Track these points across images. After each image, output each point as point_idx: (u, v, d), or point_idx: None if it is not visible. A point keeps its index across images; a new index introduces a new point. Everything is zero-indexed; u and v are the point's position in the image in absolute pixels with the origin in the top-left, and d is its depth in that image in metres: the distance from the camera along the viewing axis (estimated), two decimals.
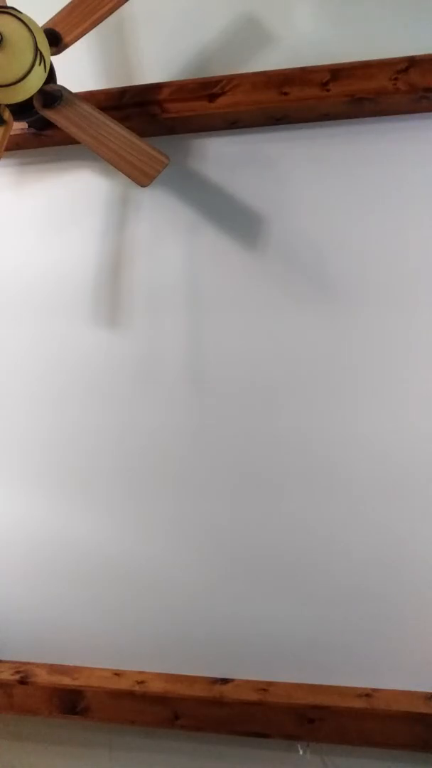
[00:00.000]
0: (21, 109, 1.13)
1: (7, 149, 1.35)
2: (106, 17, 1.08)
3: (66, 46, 1.11)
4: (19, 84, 1.05)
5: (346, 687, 1.24)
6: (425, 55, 1.14)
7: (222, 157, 1.28)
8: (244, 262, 1.28)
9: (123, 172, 1.13)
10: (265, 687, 1.27)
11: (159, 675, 1.33)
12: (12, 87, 1.05)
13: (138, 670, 1.35)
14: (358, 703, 1.21)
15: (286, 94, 1.18)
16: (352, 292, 1.23)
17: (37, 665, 1.40)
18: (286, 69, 1.19)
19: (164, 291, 1.32)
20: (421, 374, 1.21)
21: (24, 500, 1.40)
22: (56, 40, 1.10)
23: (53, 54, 1.10)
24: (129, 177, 1.13)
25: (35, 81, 1.07)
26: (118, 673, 1.35)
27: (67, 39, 1.10)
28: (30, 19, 1.05)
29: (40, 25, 1.08)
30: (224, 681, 1.30)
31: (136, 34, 1.31)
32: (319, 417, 1.25)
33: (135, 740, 1.37)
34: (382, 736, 1.19)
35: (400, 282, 1.21)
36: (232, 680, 1.29)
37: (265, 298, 1.27)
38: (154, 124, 1.25)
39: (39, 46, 1.04)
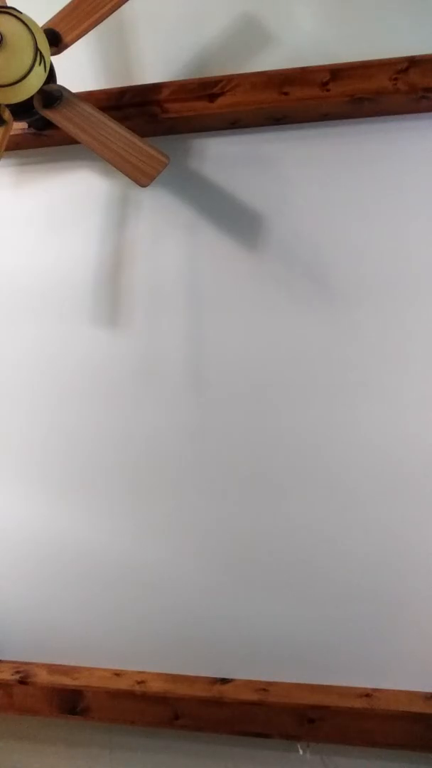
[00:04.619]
0: (21, 109, 1.13)
1: (7, 149, 1.35)
2: (106, 17, 1.08)
3: (66, 46, 1.11)
4: (19, 84, 1.05)
5: (346, 687, 1.24)
6: (425, 55, 1.14)
7: (222, 157, 1.28)
8: (244, 262, 1.28)
9: (123, 172, 1.13)
10: (265, 687, 1.27)
11: (159, 675, 1.33)
12: (12, 87, 1.05)
13: (138, 670, 1.35)
14: (358, 703, 1.21)
15: (286, 94, 1.18)
16: (352, 292, 1.23)
17: (37, 665, 1.40)
18: (286, 69, 1.19)
19: (164, 291, 1.32)
20: (421, 374, 1.21)
21: (24, 500, 1.40)
22: (56, 40, 1.10)
23: (53, 54, 1.10)
24: (129, 177, 1.13)
25: (35, 81, 1.07)
26: (118, 673, 1.35)
27: (67, 39, 1.10)
28: (30, 19, 1.04)
29: (40, 25, 1.08)
30: (224, 681, 1.30)
31: (136, 34, 1.31)
32: (319, 417, 1.25)
33: (135, 740, 1.37)
34: (382, 736, 1.19)
35: (399, 282, 1.21)
36: (232, 680, 1.30)
37: (265, 298, 1.27)
38: (154, 124, 1.25)
39: (39, 46, 1.04)
